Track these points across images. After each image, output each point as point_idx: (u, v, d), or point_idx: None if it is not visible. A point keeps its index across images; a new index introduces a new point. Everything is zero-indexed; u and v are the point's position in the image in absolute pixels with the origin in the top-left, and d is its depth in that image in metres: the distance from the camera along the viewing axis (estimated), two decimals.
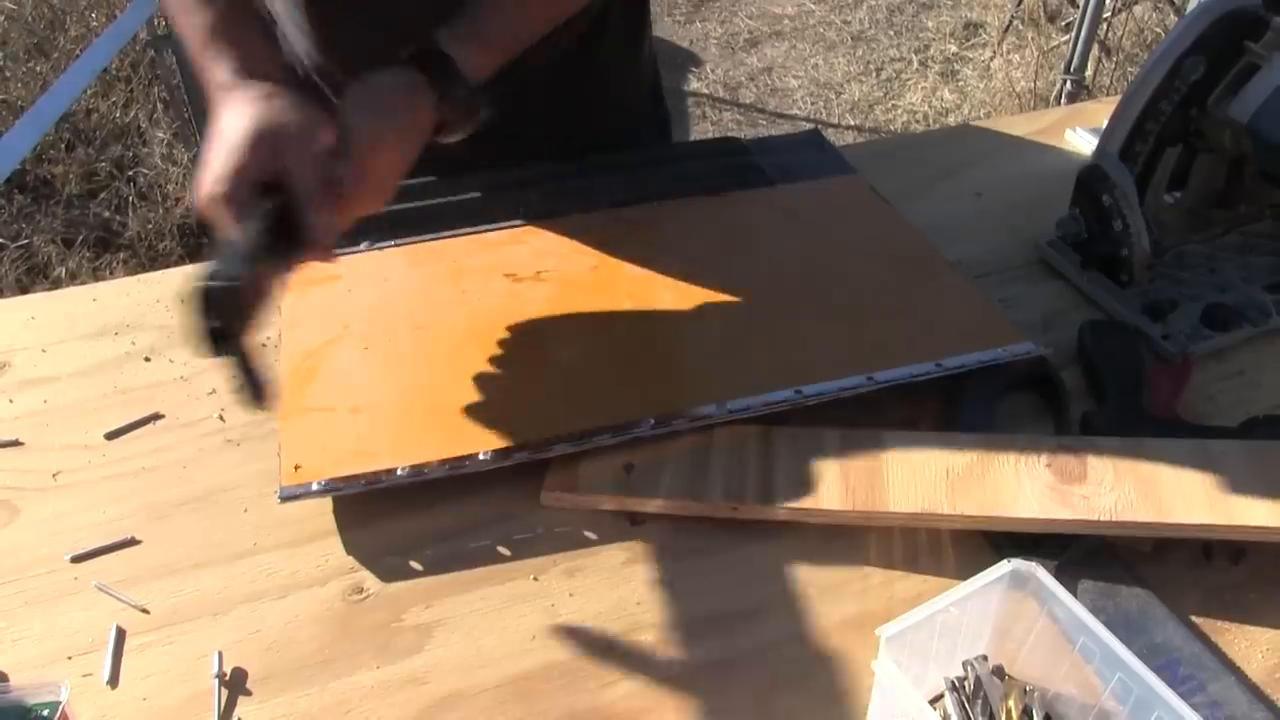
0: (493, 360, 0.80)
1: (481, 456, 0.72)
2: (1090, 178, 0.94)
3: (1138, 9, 3.69)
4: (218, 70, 0.74)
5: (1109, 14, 3.32)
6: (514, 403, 0.76)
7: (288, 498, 0.70)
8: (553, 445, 0.73)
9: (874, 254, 0.93)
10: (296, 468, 0.71)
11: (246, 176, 0.67)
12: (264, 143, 0.68)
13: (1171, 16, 3.59)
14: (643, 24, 1.09)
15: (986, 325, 0.84)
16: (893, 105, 3.72)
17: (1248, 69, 0.91)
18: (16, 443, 0.79)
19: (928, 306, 0.86)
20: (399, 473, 0.71)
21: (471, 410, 0.76)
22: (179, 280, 0.95)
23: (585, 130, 1.06)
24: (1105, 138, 0.95)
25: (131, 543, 0.71)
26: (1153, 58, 0.93)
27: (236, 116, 0.69)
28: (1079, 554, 0.67)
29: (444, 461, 0.71)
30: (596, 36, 1.02)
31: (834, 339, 0.82)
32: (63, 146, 2.96)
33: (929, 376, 0.79)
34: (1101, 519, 0.66)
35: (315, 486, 0.70)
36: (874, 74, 3.93)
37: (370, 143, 0.72)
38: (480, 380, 0.79)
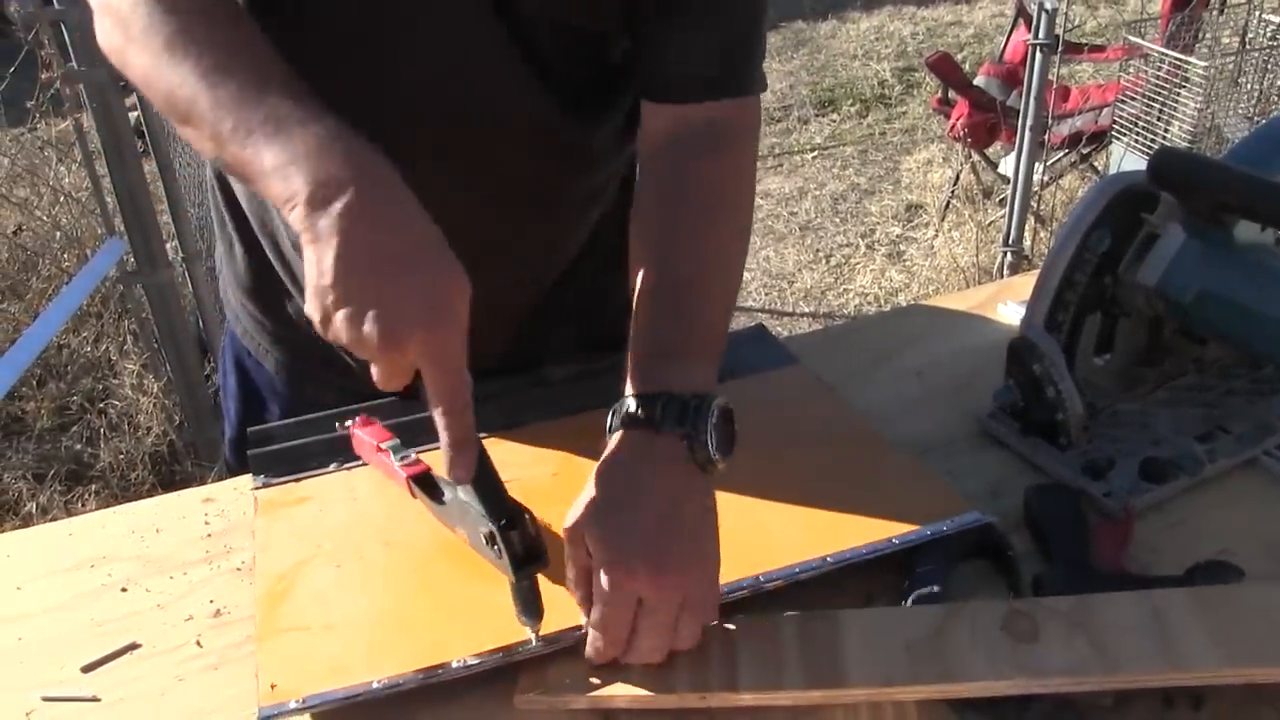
0: (460, 570, 0.82)
1: (454, 664, 0.73)
2: (1020, 349, 0.99)
3: (1065, 180, 3.89)
4: (295, 108, 0.67)
5: (1038, 188, 3.51)
6: (483, 609, 0.78)
7: (266, 718, 0.71)
8: (522, 648, 0.74)
9: (821, 440, 0.97)
10: (273, 687, 0.72)
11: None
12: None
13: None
14: None
15: (934, 499, 0.87)
16: (844, 290, 3.86)
17: (1148, 238, 0.98)
18: None
19: (876, 486, 0.90)
20: (374, 686, 0.72)
21: (442, 620, 0.78)
22: (154, 509, 0.98)
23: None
24: (1030, 310, 1.02)
25: None
26: (1062, 233, 1.01)
27: (421, 225, 0.66)
28: (1040, 713, 0.69)
29: (418, 672, 0.73)
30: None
31: (789, 525, 0.85)
32: (34, 383, 3.00)
33: (881, 553, 0.81)
34: (1057, 678, 0.68)
35: (293, 705, 0.71)
36: (824, 261, 4.09)
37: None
38: (449, 591, 0.81)
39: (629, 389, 0.79)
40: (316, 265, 0.64)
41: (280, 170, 0.66)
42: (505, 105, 0.91)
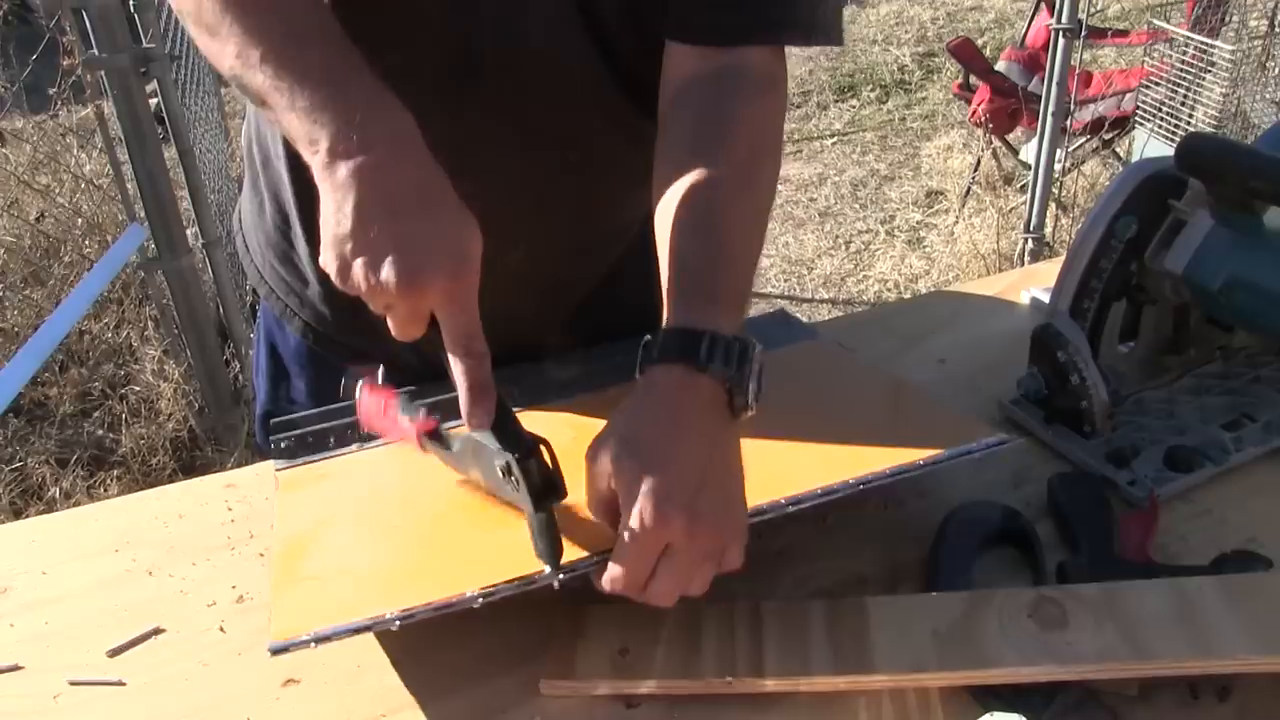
0: (481, 522, 0.82)
1: (468, 594, 0.72)
2: (1044, 336, 0.98)
3: (1086, 167, 3.86)
4: (330, 51, 0.68)
5: (1060, 174, 3.48)
6: (502, 554, 0.76)
7: (277, 650, 0.70)
8: (538, 577, 0.73)
9: (845, 389, 0.98)
10: (284, 626, 0.72)
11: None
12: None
13: (1119, 168, 3.76)
14: None
15: (958, 426, 0.88)
16: (864, 276, 3.84)
17: (1175, 224, 0.97)
18: (17, 667, 0.80)
19: (900, 418, 0.91)
20: (388, 616, 0.71)
21: (458, 565, 0.77)
22: (177, 495, 0.98)
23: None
24: (1054, 297, 1.01)
25: None
26: (1088, 220, 1.00)
27: (437, 180, 0.67)
28: (1065, 703, 0.69)
29: (431, 603, 0.72)
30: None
31: (814, 457, 0.85)
32: (56, 368, 3.02)
33: (909, 475, 0.81)
34: (1086, 665, 0.68)
35: (305, 637, 0.70)
36: (843, 247, 4.07)
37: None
38: (467, 542, 0.80)
39: (669, 321, 0.76)
40: (334, 214, 0.66)
41: (307, 114, 0.67)
42: (576, 81, 0.91)
